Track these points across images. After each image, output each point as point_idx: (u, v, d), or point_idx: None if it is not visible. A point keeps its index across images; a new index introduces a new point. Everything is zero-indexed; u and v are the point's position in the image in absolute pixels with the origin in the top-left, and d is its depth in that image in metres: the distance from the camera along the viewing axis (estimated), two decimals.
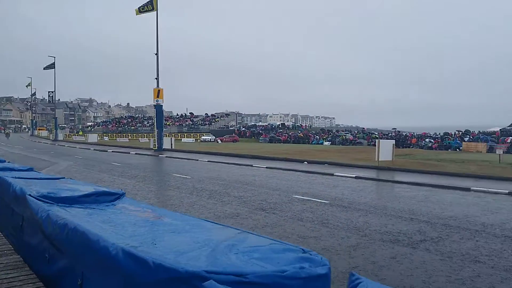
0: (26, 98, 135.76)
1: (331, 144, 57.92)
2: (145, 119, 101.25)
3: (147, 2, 39.33)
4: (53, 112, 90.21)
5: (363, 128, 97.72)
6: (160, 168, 23.33)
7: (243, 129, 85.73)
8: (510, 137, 46.81)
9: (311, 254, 2.53)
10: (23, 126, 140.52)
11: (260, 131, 79.05)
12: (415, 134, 62.20)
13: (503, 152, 28.49)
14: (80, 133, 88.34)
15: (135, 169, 21.08)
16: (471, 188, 14.51)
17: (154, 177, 18.21)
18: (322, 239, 7.71)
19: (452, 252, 6.95)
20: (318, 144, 58.11)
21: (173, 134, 65.66)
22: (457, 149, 45.08)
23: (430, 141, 52.17)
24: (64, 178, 6.89)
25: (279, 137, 66.76)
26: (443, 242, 7.60)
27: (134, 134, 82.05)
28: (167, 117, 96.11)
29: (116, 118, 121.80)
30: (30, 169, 7.73)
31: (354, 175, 18.15)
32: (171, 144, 41.22)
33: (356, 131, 77.83)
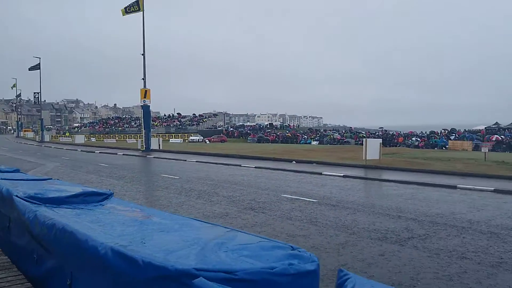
0: (11, 99, 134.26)
1: (319, 143, 58.12)
2: (132, 120, 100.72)
3: (134, 2, 39.12)
4: (39, 114, 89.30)
5: (351, 127, 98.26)
6: (148, 168, 23.23)
7: (231, 129, 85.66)
8: (495, 136, 47.37)
9: (299, 251, 2.55)
10: (8, 127, 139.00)
11: (248, 131, 79.07)
12: (402, 133, 62.70)
13: (488, 150, 28.86)
14: (67, 134, 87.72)
15: (123, 170, 20.96)
16: (457, 185, 14.66)
17: (142, 177, 18.14)
18: (311, 238, 7.74)
19: (439, 249, 7.02)
20: (306, 143, 58.26)
21: (160, 134, 65.35)
22: (443, 148, 45.51)
23: (417, 140, 52.61)
24: (51, 179, 6.84)
25: (267, 137, 66.80)
26: (430, 239, 7.68)
27: (122, 135, 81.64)
28: (155, 117, 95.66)
29: (103, 119, 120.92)
30: (17, 171, 7.66)
31: (342, 174, 18.24)
32: (159, 145, 41.04)
33: (343, 131, 78.21)
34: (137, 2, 38.91)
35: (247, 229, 8.16)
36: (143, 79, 39.35)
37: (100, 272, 2.68)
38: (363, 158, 21.72)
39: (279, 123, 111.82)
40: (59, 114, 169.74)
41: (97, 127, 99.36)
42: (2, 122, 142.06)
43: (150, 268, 2.30)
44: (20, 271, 4.12)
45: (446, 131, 57.08)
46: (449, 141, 48.40)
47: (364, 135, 60.14)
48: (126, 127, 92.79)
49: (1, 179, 5.83)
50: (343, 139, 59.59)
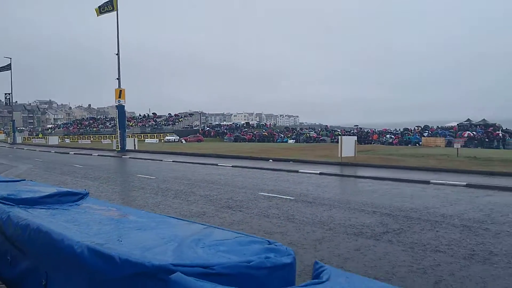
0: None
1: (295, 142, 58.46)
2: (107, 120, 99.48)
3: (107, 1, 38.63)
4: (11, 115, 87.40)
5: (326, 125, 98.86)
6: (123, 169, 22.99)
7: (208, 128, 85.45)
8: (467, 132, 48.39)
9: (276, 245, 2.58)
10: None
11: (225, 131, 78.96)
12: (376, 130, 63.44)
13: (461, 146, 29.53)
14: (40, 135, 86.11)
15: (98, 171, 20.70)
16: (431, 181, 14.93)
17: (117, 178, 17.95)
18: (288, 234, 7.80)
19: (414, 243, 7.15)
20: (282, 142, 58.54)
21: (136, 135, 64.72)
22: (417, 144, 46.31)
23: (391, 137, 53.36)
24: (24, 180, 6.73)
25: (244, 136, 66.88)
26: (404, 233, 7.81)
27: (96, 136, 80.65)
28: (130, 117, 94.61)
29: (77, 119, 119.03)
30: None
31: (318, 172, 18.38)
32: (134, 145, 40.66)
33: (319, 129, 78.71)
34: (110, 2, 38.44)
35: (224, 227, 8.16)
36: (117, 79, 38.94)
37: (76, 271, 2.67)
38: (339, 156, 21.92)
39: (256, 122, 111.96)
40: (32, 115, 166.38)
41: (71, 128, 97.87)
42: None
43: (127, 265, 2.31)
44: None
45: (419, 128, 58.00)
46: (423, 138, 49.25)
47: (339, 133, 60.65)
48: (101, 127, 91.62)
49: None
50: (319, 137, 60.08)
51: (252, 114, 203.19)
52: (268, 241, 2.69)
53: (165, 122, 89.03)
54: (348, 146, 22.08)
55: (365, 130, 65.91)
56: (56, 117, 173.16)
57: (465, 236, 7.61)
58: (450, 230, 8.02)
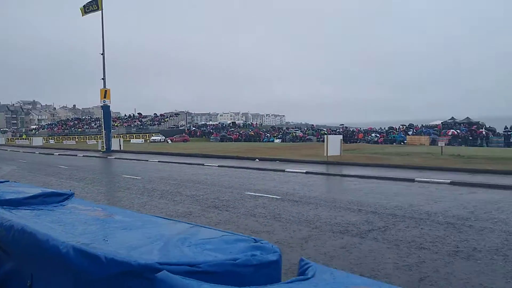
0: None
1: (281, 141, 58.65)
2: (92, 121, 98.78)
3: (91, 1, 38.32)
4: None
5: (312, 125, 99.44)
6: (109, 169, 22.83)
7: (194, 128, 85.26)
8: (451, 130, 48.99)
9: (262, 243, 2.59)
10: None
11: (211, 130, 78.89)
12: (361, 129, 63.93)
13: (445, 144, 29.88)
14: (24, 136, 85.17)
15: (83, 172, 20.54)
16: (416, 179, 15.10)
17: (103, 179, 17.83)
18: (274, 233, 7.83)
19: (399, 240, 7.23)
20: (269, 141, 58.69)
21: (121, 135, 64.40)
22: (402, 143, 46.75)
23: (376, 136, 53.82)
24: (8, 181, 6.65)
25: (230, 136, 66.88)
26: (389, 231, 7.89)
27: (82, 136, 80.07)
28: (115, 118, 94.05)
29: (62, 120, 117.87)
30: None
31: (304, 171, 18.46)
32: (120, 145, 40.41)
33: (305, 128, 79.10)
34: (95, 1, 38.13)
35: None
36: (102, 79, 38.66)
37: (62, 272, 2.65)
38: (325, 155, 22.04)
39: (242, 121, 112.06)
40: (15, 116, 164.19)
41: (55, 128, 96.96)
42: None
43: (113, 264, 2.30)
44: None
45: (404, 127, 58.58)
46: (407, 136, 49.77)
47: (325, 132, 61.01)
48: (86, 128, 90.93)
49: None
50: (305, 137, 60.38)
51: (238, 113, 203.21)
52: (254, 239, 2.70)
53: (151, 122, 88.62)
54: (334, 145, 22.22)
55: (351, 129, 66.40)
56: (40, 117, 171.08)
57: (449, 233, 7.71)
58: (435, 227, 8.12)
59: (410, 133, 52.57)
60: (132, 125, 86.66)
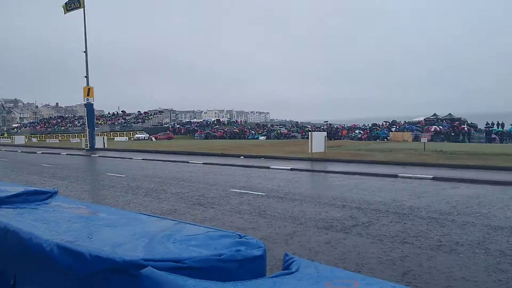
0: None
1: (266, 138, 58.75)
2: (75, 119, 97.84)
3: None
4: None
5: (297, 122, 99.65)
6: (93, 168, 22.65)
7: (178, 126, 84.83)
8: (434, 126, 49.53)
9: (247, 239, 2.61)
10: None
11: (195, 128, 78.67)
12: (345, 126, 64.35)
13: (428, 140, 30.21)
14: (5, 135, 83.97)
15: (67, 170, 20.34)
16: (399, 174, 15.26)
17: (87, 177, 17.68)
18: (260, 230, 7.85)
19: (382, 235, 7.31)
20: (253, 139, 58.75)
21: (105, 133, 63.92)
22: (385, 139, 47.19)
23: (360, 132, 54.25)
24: None
25: (215, 133, 66.81)
26: (373, 226, 7.98)
27: (65, 135, 79.26)
28: (99, 116, 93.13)
29: (44, 118, 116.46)
30: None
31: (289, 167, 18.53)
32: (104, 143, 40.12)
33: (290, 125, 79.27)
34: None
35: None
36: (85, 76, 38.32)
37: (46, 270, 2.64)
38: (309, 152, 22.14)
39: (227, 119, 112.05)
40: None
41: (38, 127, 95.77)
42: None
43: (98, 261, 2.30)
44: None
45: (387, 123, 59.09)
46: (390, 132, 50.20)
47: (309, 129, 61.25)
48: (69, 126, 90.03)
49: None
50: (290, 134, 60.55)
51: (222, 111, 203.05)
52: (239, 235, 2.71)
53: (135, 120, 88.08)
54: (318, 142, 22.33)
55: (335, 126, 66.73)
56: (22, 116, 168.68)
57: (432, 227, 7.82)
58: (418, 222, 8.22)
59: (393, 129, 53.05)
60: (116, 123, 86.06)
